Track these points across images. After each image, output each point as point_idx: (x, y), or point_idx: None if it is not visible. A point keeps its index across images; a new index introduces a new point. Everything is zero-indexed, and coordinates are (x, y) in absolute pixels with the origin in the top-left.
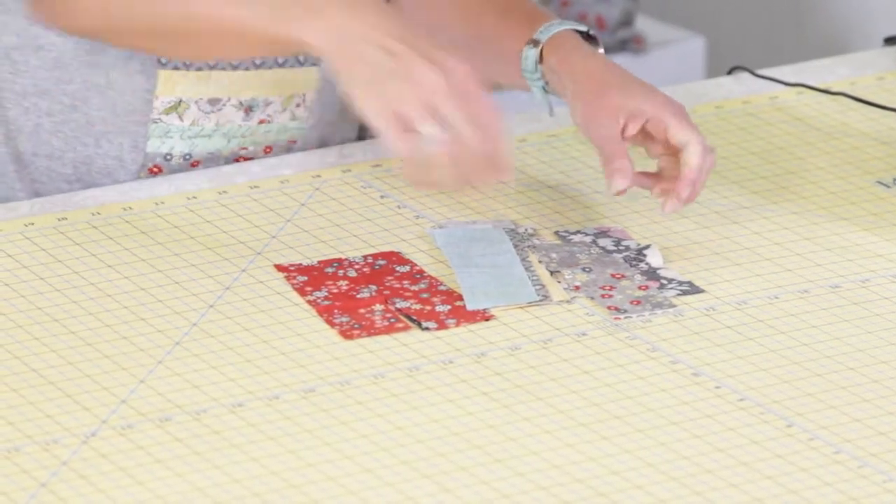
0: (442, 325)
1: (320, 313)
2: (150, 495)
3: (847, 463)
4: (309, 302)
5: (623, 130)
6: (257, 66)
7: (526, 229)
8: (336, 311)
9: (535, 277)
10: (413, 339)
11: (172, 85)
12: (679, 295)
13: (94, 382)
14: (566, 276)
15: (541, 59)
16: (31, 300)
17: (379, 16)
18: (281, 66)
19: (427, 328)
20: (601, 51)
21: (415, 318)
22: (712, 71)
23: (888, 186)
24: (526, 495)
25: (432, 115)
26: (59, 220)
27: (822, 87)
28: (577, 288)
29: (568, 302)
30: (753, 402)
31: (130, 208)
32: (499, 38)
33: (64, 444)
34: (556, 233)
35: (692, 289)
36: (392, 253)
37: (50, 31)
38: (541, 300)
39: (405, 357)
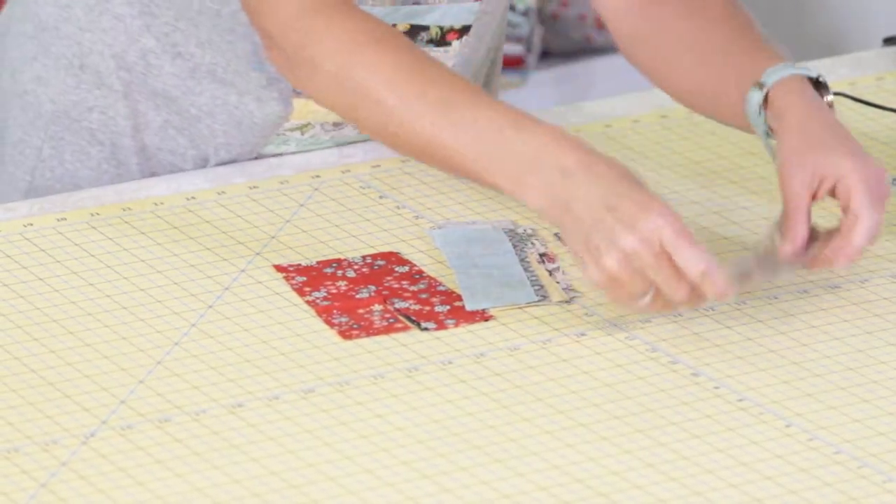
0: (441, 326)
1: (319, 314)
2: (150, 496)
3: (847, 463)
4: (308, 302)
5: (815, 192)
6: None
7: (525, 230)
8: (335, 311)
9: (534, 278)
10: (412, 340)
11: (306, 112)
12: None
13: (94, 383)
14: None
15: (765, 102)
16: (30, 300)
17: (587, 183)
18: None
19: (426, 328)
20: (829, 98)
21: (414, 318)
22: None
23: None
24: (526, 495)
25: (637, 280)
26: (58, 220)
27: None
28: None
29: (567, 302)
30: (753, 403)
31: (129, 209)
32: (724, 80)
33: (63, 444)
34: (556, 234)
35: None
36: (391, 253)
37: (190, 42)
38: (540, 300)
39: (404, 357)
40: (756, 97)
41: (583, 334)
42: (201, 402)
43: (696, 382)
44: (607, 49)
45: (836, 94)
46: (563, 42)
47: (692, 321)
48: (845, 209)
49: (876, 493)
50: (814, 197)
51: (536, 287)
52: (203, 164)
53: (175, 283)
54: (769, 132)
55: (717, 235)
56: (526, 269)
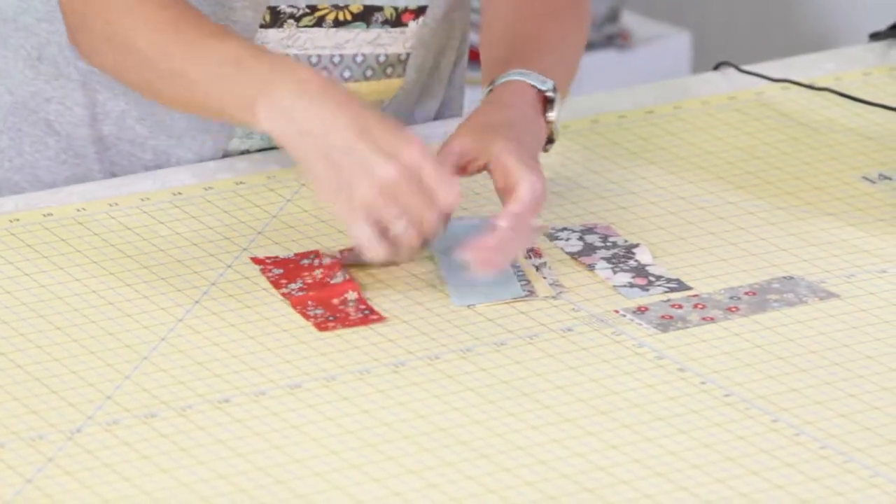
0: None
1: (294, 305)
2: (136, 491)
3: (833, 458)
4: (284, 294)
5: (467, 166)
6: (345, 80)
7: None
8: (310, 302)
9: (520, 273)
10: (398, 335)
11: None
12: (666, 292)
13: (80, 378)
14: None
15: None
16: (16, 296)
17: (331, 107)
18: (368, 79)
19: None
20: (551, 115)
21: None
22: (698, 66)
23: (873, 182)
24: (512, 490)
25: (394, 206)
26: (44, 216)
27: (807, 82)
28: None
29: (553, 298)
30: (739, 398)
31: (116, 204)
32: (494, 65)
33: (49, 440)
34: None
35: (680, 286)
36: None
37: None
38: (526, 296)
39: (391, 353)
40: (484, 93)
41: (569, 330)
42: (187, 397)
43: (683, 378)
44: (594, 45)
45: (821, 89)
46: None
47: (679, 318)
48: (503, 183)
49: (862, 488)
50: (464, 171)
51: (523, 282)
52: (163, 155)
53: (161, 279)
54: None
55: (703, 231)
56: (513, 265)
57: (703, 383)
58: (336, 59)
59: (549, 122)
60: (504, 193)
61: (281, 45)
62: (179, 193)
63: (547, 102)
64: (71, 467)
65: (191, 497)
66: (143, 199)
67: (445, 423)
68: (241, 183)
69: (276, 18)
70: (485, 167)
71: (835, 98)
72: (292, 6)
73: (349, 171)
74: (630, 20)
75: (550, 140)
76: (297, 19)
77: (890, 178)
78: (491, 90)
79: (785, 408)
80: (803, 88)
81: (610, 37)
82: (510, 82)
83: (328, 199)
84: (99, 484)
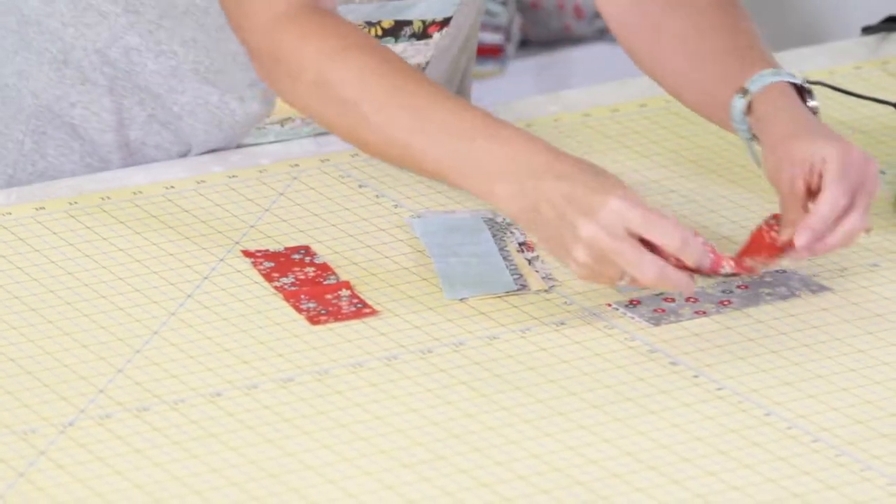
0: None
1: (287, 298)
2: (128, 484)
3: (825, 451)
4: (276, 288)
5: (809, 179)
6: None
7: (504, 219)
8: (303, 296)
9: (512, 267)
10: (391, 329)
11: (288, 109)
12: None
13: (72, 372)
14: None
15: (749, 108)
16: (8, 289)
17: (549, 181)
18: None
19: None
20: (813, 103)
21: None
22: None
23: None
24: (505, 485)
25: (608, 267)
26: (36, 209)
27: (800, 76)
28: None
29: (546, 291)
30: (731, 391)
31: (109, 198)
32: (711, 85)
33: (42, 433)
34: None
35: None
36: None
37: (174, 40)
38: (519, 289)
39: (383, 346)
40: (739, 104)
41: (562, 323)
42: (180, 391)
43: (675, 371)
44: (586, 38)
45: (814, 83)
46: (542, 31)
47: (671, 312)
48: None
49: (853, 482)
50: (810, 190)
51: (515, 276)
52: (187, 154)
53: (154, 273)
54: (753, 137)
55: (695, 224)
56: (505, 258)
57: (695, 377)
58: None
59: (815, 111)
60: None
61: None
62: (172, 187)
63: (801, 92)
64: (63, 461)
65: (183, 490)
66: (135, 193)
67: (438, 417)
68: (233, 176)
69: None
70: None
71: (827, 92)
72: None
73: (565, 236)
74: None
75: None
76: None
77: (883, 172)
78: (748, 96)
79: (777, 401)
80: None
81: (602, 30)
82: (770, 87)
83: (567, 266)
84: (91, 478)
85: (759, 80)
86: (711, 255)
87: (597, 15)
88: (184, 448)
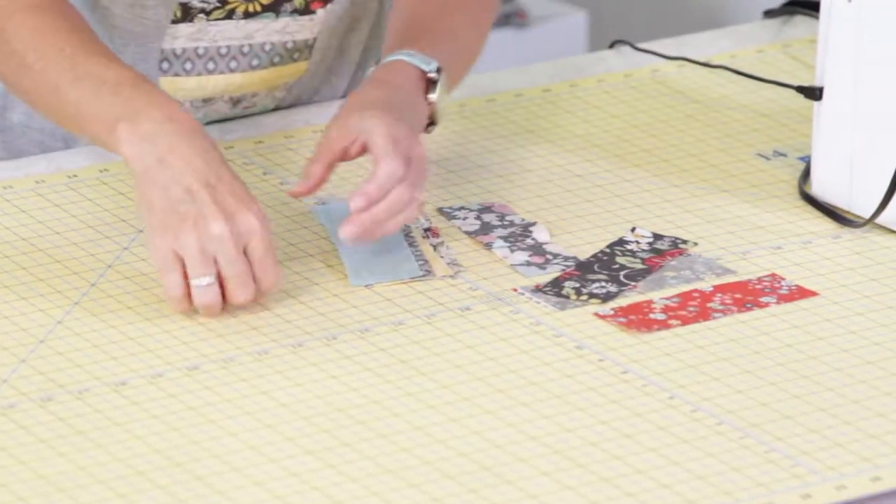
0: None
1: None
2: (32, 475)
3: (729, 434)
4: None
5: (350, 147)
6: (253, 68)
7: None
8: None
9: (418, 253)
10: (296, 316)
11: (173, 90)
12: (564, 270)
13: None
14: None
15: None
16: None
17: (192, 148)
18: (275, 65)
19: None
20: (432, 96)
21: None
22: (594, 45)
23: (768, 158)
24: (411, 470)
25: (207, 263)
26: None
27: (702, 60)
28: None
29: (451, 277)
30: (636, 375)
31: (10, 187)
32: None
33: None
34: (440, 209)
35: (577, 263)
36: None
37: None
38: (424, 275)
39: (288, 334)
40: (370, 72)
41: (467, 308)
42: (84, 380)
43: (580, 356)
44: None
45: (716, 66)
46: None
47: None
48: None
49: (758, 464)
50: (347, 155)
51: (421, 262)
52: (75, 142)
53: (57, 262)
54: None
55: (600, 209)
56: (410, 245)
57: (600, 360)
58: (245, 49)
59: (430, 103)
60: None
61: (191, 38)
62: (75, 176)
63: (430, 84)
64: None
65: (88, 480)
66: (37, 182)
67: (343, 404)
68: None
69: (186, 13)
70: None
71: (729, 75)
72: (203, 1)
73: (182, 216)
74: None
75: (432, 122)
76: (208, 13)
77: (784, 155)
78: (374, 70)
79: (682, 385)
80: (698, 66)
81: (507, 15)
82: (393, 62)
83: (152, 236)
84: None
85: (392, 57)
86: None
87: (501, 1)
88: (88, 438)
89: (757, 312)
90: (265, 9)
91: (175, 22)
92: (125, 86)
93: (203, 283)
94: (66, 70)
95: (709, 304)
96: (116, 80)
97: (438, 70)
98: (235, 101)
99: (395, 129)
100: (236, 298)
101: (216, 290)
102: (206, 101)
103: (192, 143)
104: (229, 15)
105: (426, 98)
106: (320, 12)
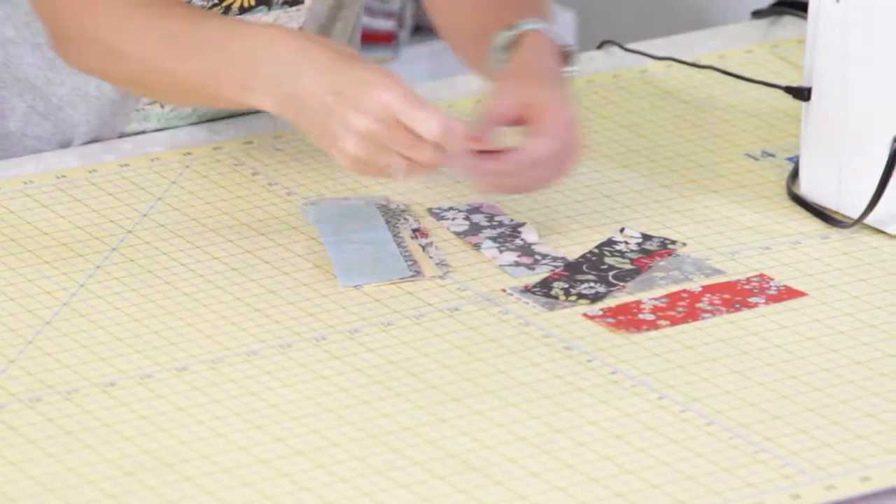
0: None
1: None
2: (21, 475)
3: (718, 434)
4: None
5: (512, 109)
6: None
7: (398, 205)
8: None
9: (406, 253)
10: (285, 316)
11: None
12: (553, 271)
13: None
14: None
15: (507, 46)
16: None
17: (309, 73)
18: None
19: None
20: (571, 69)
21: None
22: (583, 45)
23: (756, 159)
24: (399, 471)
25: (380, 155)
26: None
27: (691, 60)
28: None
29: (440, 277)
30: (625, 375)
31: None
32: (486, 30)
33: None
34: (429, 209)
35: (566, 264)
36: None
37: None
38: (413, 276)
39: (277, 334)
40: (502, 37)
41: (456, 309)
42: (73, 381)
43: (569, 356)
44: None
45: (704, 67)
46: None
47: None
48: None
49: (747, 463)
50: (509, 122)
51: (409, 262)
52: (67, 146)
53: (45, 262)
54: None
55: (588, 209)
56: (399, 245)
57: (589, 361)
58: None
59: (567, 77)
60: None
61: None
62: (63, 176)
63: (565, 56)
64: None
65: (77, 481)
66: (26, 183)
67: (332, 404)
68: (125, 165)
69: None
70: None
71: (718, 76)
72: None
73: (334, 131)
74: None
75: None
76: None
77: (773, 155)
78: (508, 36)
79: (671, 385)
80: (687, 66)
81: None
82: (533, 32)
83: (336, 158)
84: None
85: (525, 25)
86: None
87: None
88: (77, 438)
89: (746, 313)
90: (259, 2)
91: None
92: (225, 44)
93: (399, 176)
94: (170, 50)
95: (697, 305)
96: (216, 43)
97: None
98: None
99: (566, 108)
100: (423, 161)
101: (414, 168)
102: None
103: (306, 70)
104: (226, 11)
105: (563, 70)
106: (308, 2)
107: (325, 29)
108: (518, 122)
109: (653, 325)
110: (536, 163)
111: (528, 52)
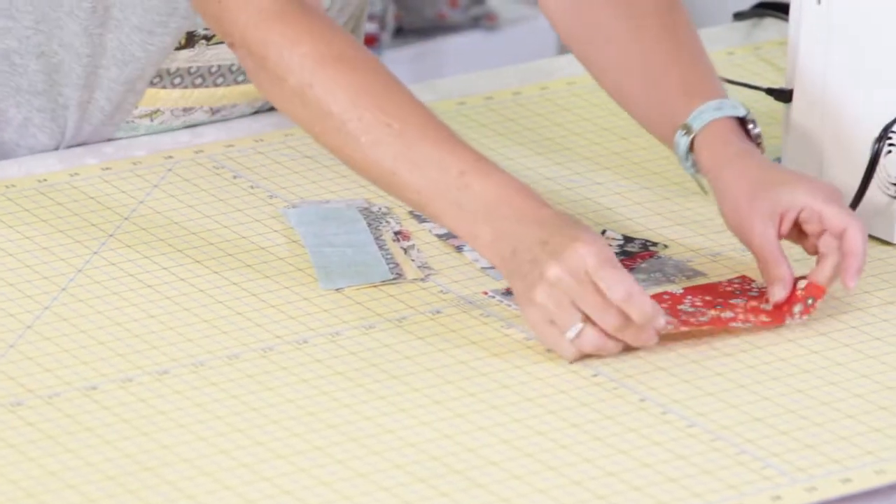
0: None
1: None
2: (2, 479)
3: (700, 436)
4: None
5: (779, 229)
6: (238, 83)
7: (380, 208)
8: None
9: (388, 256)
10: (266, 320)
11: (155, 100)
12: None
13: None
14: None
15: (692, 145)
16: None
17: (533, 228)
18: None
19: None
20: (757, 130)
21: None
22: (564, 48)
23: None
24: (382, 473)
25: (564, 311)
26: None
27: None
28: None
29: (422, 280)
30: (607, 378)
31: None
32: (656, 105)
33: None
34: (411, 212)
35: None
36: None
37: (53, 41)
38: (395, 278)
39: (259, 337)
40: (683, 142)
41: (438, 312)
42: (54, 385)
43: (551, 359)
44: (460, 26)
45: None
46: (417, 19)
47: None
48: (820, 233)
49: (728, 465)
50: (780, 235)
51: (391, 265)
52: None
53: (27, 266)
54: (698, 171)
55: (570, 211)
56: (381, 248)
57: (570, 364)
58: (234, 68)
59: (758, 141)
60: (817, 237)
61: (188, 60)
62: (45, 180)
63: (743, 124)
64: None
65: (58, 485)
66: (7, 187)
67: (314, 408)
68: (107, 169)
69: (190, 41)
70: (796, 221)
71: None
72: (207, 28)
73: (532, 277)
74: (497, 1)
75: None
76: (209, 39)
77: None
78: (692, 134)
79: (652, 387)
80: None
81: (476, 18)
82: (718, 122)
83: (529, 316)
84: None
85: (701, 118)
86: (664, 314)
87: (471, 3)
88: (59, 442)
89: (723, 315)
90: None
91: (178, 49)
92: (467, 174)
93: (571, 334)
94: (399, 153)
95: (679, 307)
96: (459, 169)
97: (747, 112)
98: (215, 111)
99: (824, 187)
100: (606, 325)
101: (591, 331)
102: (186, 110)
103: (533, 220)
104: (189, 37)
105: (752, 136)
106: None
107: None
108: (782, 235)
109: None
110: (863, 253)
111: (726, 159)
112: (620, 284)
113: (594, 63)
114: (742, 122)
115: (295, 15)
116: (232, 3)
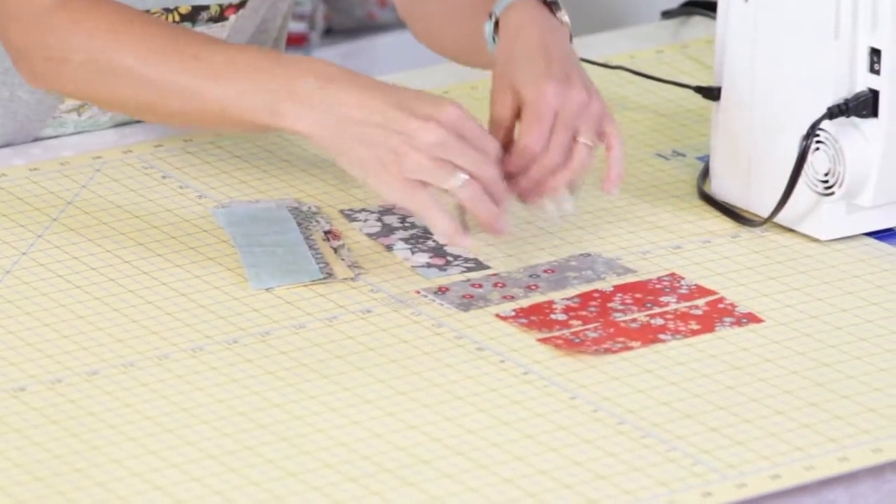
0: None
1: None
2: None
3: (630, 433)
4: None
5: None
6: None
7: (310, 207)
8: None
9: (318, 255)
10: (196, 320)
11: None
12: (464, 272)
13: None
14: None
15: (496, 30)
16: None
17: (358, 90)
18: None
19: None
20: (565, 18)
21: None
22: None
23: (667, 158)
24: (312, 473)
25: (446, 166)
26: None
27: (601, 60)
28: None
29: (352, 279)
30: (537, 376)
31: None
32: (467, 22)
33: None
34: (341, 211)
35: (478, 266)
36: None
37: None
38: (325, 278)
39: (189, 337)
40: (489, 28)
41: (368, 311)
42: None
43: (482, 357)
44: (390, 26)
45: (615, 67)
46: (346, 19)
47: (480, 297)
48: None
49: (659, 463)
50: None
51: (321, 264)
52: None
53: None
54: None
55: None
56: (311, 247)
57: (501, 362)
58: None
59: (565, 24)
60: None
61: None
62: (4, 175)
63: (550, 6)
64: None
65: (25, 478)
66: None
67: (244, 407)
68: (34, 170)
69: None
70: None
71: (628, 76)
72: None
73: (395, 146)
74: None
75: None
76: None
77: (683, 155)
78: (493, 17)
79: (583, 385)
80: (598, 67)
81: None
82: (511, 5)
83: (385, 189)
84: None
85: (502, 2)
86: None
87: None
88: (24, 435)
89: (654, 310)
90: (184, 18)
91: None
92: (259, 68)
93: (458, 182)
94: (191, 68)
95: (609, 304)
96: (247, 63)
97: None
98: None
99: (550, 70)
100: (487, 176)
101: (476, 185)
102: None
103: (354, 88)
104: None
105: (559, 20)
106: (232, 18)
107: (250, 41)
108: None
109: (564, 325)
110: (529, 152)
111: (510, 30)
112: (492, 140)
113: (418, 23)
114: (552, 6)
115: (77, 2)
116: (15, 8)
